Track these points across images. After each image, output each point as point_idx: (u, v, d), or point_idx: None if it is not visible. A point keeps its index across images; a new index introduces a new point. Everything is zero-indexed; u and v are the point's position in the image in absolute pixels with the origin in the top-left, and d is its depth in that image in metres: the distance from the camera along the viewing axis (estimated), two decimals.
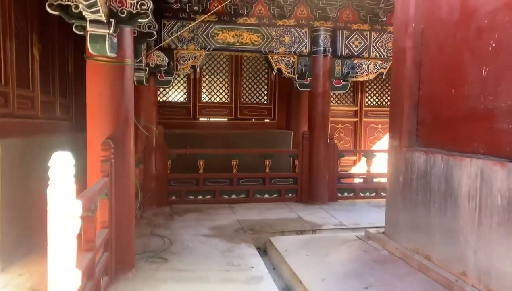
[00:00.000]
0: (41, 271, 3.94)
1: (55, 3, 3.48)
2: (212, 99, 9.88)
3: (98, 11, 3.27)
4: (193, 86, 9.67)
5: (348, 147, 10.47)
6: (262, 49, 7.27)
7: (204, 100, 9.82)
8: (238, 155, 7.65)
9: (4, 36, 4.46)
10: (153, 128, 7.01)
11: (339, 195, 7.86)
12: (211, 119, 9.89)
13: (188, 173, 7.46)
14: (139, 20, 3.79)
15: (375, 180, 8.12)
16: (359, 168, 10.10)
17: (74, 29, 3.74)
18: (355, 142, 10.60)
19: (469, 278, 3.46)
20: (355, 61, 7.59)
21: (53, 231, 2.30)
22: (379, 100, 10.82)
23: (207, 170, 7.45)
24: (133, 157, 4.12)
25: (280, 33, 7.28)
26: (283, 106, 10.07)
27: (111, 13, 3.60)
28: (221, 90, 9.88)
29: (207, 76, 9.79)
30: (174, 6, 6.60)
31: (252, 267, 4.33)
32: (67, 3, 3.48)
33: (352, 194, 7.95)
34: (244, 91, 9.96)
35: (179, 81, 9.64)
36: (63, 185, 2.29)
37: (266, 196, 7.67)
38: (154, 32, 5.30)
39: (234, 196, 7.55)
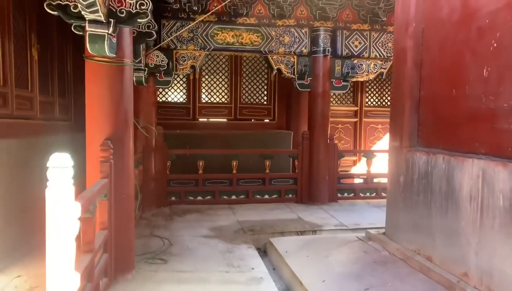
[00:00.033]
0: (39, 273, 3.90)
1: (54, 3, 3.45)
2: (212, 99, 9.86)
3: (97, 11, 3.25)
4: (193, 87, 9.65)
5: (348, 147, 10.46)
6: (261, 49, 7.25)
7: (203, 101, 9.81)
8: (238, 155, 7.64)
9: (2, 36, 4.43)
10: (153, 128, 6.99)
11: (339, 195, 7.85)
12: (210, 119, 9.88)
13: (187, 173, 7.44)
14: (138, 20, 3.77)
15: (375, 180, 8.11)
16: (359, 168, 10.08)
17: (73, 29, 3.72)
18: (355, 142, 10.59)
19: (470, 279, 3.43)
20: (355, 61, 7.57)
21: (52, 232, 2.28)
22: (379, 100, 10.80)
23: (207, 170, 7.43)
24: (132, 158, 4.10)
25: (280, 33, 7.27)
26: (283, 106, 10.06)
27: (110, 13, 3.58)
28: (220, 91, 9.86)
29: (207, 77, 9.77)
30: (174, 6, 6.59)
31: (253, 268, 4.31)
32: (65, 3, 3.46)
33: (352, 194, 7.94)
34: (244, 91, 9.94)
35: (178, 82, 9.62)
36: (61, 186, 2.27)
37: (266, 196, 7.65)
38: (154, 32, 5.27)
39: (234, 197, 7.53)
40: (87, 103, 3.86)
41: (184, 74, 8.96)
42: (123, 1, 3.65)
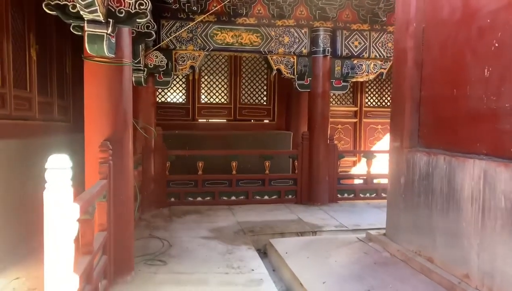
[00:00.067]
0: (38, 275, 3.87)
1: (52, 3, 3.43)
2: (211, 100, 9.84)
3: (95, 11, 3.23)
4: (192, 87, 9.63)
5: (348, 148, 10.44)
6: (261, 49, 7.23)
7: (203, 101, 9.78)
8: (238, 156, 7.61)
9: (1, 37, 4.42)
10: (152, 129, 6.96)
11: (339, 196, 7.83)
12: (210, 120, 9.85)
13: (187, 174, 7.42)
14: (137, 20, 3.75)
15: (375, 181, 8.09)
16: (359, 168, 10.06)
17: (71, 29, 3.69)
18: (355, 143, 10.57)
19: (472, 281, 3.41)
20: (355, 61, 7.56)
21: (50, 234, 2.26)
22: (378, 100, 10.78)
23: (206, 171, 7.41)
24: (131, 159, 4.07)
25: (279, 33, 7.25)
26: (283, 107, 10.04)
27: (109, 13, 3.56)
28: (220, 91, 9.84)
29: (206, 77, 9.75)
30: (173, 6, 6.58)
31: (252, 270, 4.29)
32: (64, 2, 3.43)
33: (352, 195, 7.91)
34: (243, 92, 9.92)
35: (177, 82, 9.60)
36: (59, 188, 2.24)
37: (266, 197, 7.63)
38: (153, 33, 5.26)
39: (233, 198, 7.51)
40: (86, 104, 3.84)
41: (184, 75, 8.93)
42: (122, 1, 3.63)
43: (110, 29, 3.50)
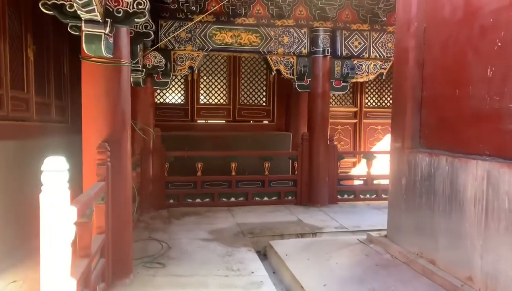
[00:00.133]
0: (35, 278, 3.81)
1: (49, 2, 3.39)
2: (210, 100, 9.79)
3: (93, 11, 3.19)
4: (191, 88, 9.58)
5: (348, 149, 10.40)
6: (260, 49, 7.19)
7: (202, 102, 9.74)
8: (237, 157, 7.57)
9: None
10: (150, 130, 6.92)
11: (339, 197, 7.78)
12: (209, 121, 9.81)
13: (186, 175, 7.37)
14: (135, 19, 3.71)
15: (375, 182, 8.04)
16: (359, 169, 10.02)
17: (69, 29, 3.66)
18: (354, 143, 10.53)
19: (475, 283, 3.37)
20: (355, 61, 7.52)
21: (46, 238, 2.21)
22: (378, 101, 10.75)
23: (206, 172, 7.36)
24: (130, 160, 4.03)
25: (279, 33, 7.21)
26: (282, 107, 9.99)
27: (106, 13, 3.52)
28: (219, 92, 9.79)
29: (205, 78, 9.70)
30: (171, 6, 6.53)
31: (252, 272, 4.25)
32: (61, 2, 3.39)
33: (352, 196, 7.87)
34: (243, 92, 9.88)
35: (176, 83, 9.55)
36: (56, 191, 2.19)
37: (266, 198, 7.58)
38: (151, 33, 5.22)
39: (233, 199, 7.46)
40: (83, 104, 3.79)
41: (182, 75, 8.88)
42: (120, 1, 3.59)
43: (108, 29, 3.46)
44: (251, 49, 7.19)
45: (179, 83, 9.59)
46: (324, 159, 7.50)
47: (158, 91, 9.16)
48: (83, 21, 3.38)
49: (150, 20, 5.09)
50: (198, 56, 6.99)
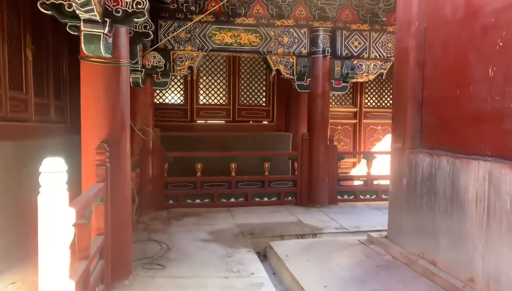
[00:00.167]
0: (34, 279, 3.80)
1: (48, 2, 3.36)
2: (210, 101, 9.77)
3: (92, 10, 3.17)
4: (190, 88, 9.56)
5: (348, 149, 10.39)
6: (260, 50, 7.16)
7: (201, 102, 9.71)
8: (237, 157, 7.54)
9: None
10: (150, 131, 6.89)
11: (339, 197, 7.76)
12: (208, 121, 9.79)
13: (185, 176, 7.34)
14: (135, 19, 3.69)
15: (375, 182, 8.02)
16: (359, 170, 10.00)
17: (67, 29, 3.64)
18: (354, 144, 10.51)
19: (477, 285, 3.35)
20: (355, 61, 7.50)
21: (45, 240, 2.19)
22: (378, 101, 10.73)
23: (205, 173, 7.33)
24: (129, 161, 4.01)
25: (278, 33, 7.18)
26: (282, 108, 9.97)
27: (105, 12, 3.50)
28: (218, 92, 9.77)
29: (204, 78, 9.68)
30: (171, 6, 6.51)
31: (252, 273, 4.23)
32: (59, 2, 3.37)
33: (352, 196, 7.85)
34: (242, 93, 9.86)
35: (175, 83, 9.53)
36: (54, 192, 2.17)
37: (265, 199, 7.55)
38: (151, 33, 5.20)
39: (232, 200, 7.44)
40: (82, 105, 3.77)
41: (182, 76, 8.85)
42: (119, 0, 3.57)
43: (107, 28, 3.44)
44: (251, 49, 7.16)
45: (178, 83, 9.57)
46: (324, 159, 7.48)
47: (158, 91, 9.13)
48: (81, 21, 3.36)
49: (149, 20, 5.07)
50: (197, 56, 6.97)
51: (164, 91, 9.41)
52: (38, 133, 5.35)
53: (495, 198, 3.19)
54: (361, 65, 7.50)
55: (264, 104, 10.01)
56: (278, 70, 7.34)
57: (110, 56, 3.63)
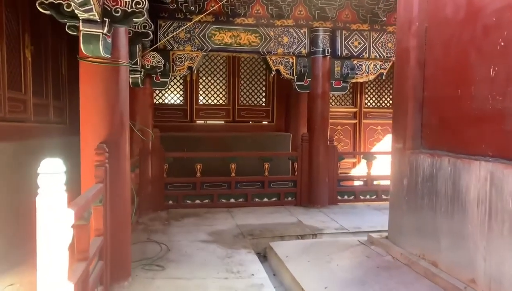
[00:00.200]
0: (32, 281, 3.78)
1: (46, 2, 3.34)
2: (209, 101, 9.75)
3: (91, 10, 3.15)
4: (190, 88, 9.54)
5: (348, 149, 10.37)
6: (260, 50, 7.15)
7: (201, 103, 9.69)
8: (236, 158, 7.52)
9: None
10: (149, 131, 6.88)
11: (339, 198, 7.74)
12: (208, 121, 9.77)
13: (185, 176, 7.32)
14: (134, 19, 3.67)
15: (375, 183, 8.00)
16: (359, 170, 9.98)
17: (66, 29, 3.61)
18: (354, 144, 10.49)
19: (478, 286, 3.33)
20: (355, 62, 7.48)
21: (43, 242, 2.17)
22: (378, 101, 10.72)
23: (205, 173, 7.31)
24: (128, 161, 3.99)
25: (278, 33, 7.17)
26: (282, 108, 9.96)
27: (105, 12, 3.48)
28: (218, 92, 9.75)
29: (204, 78, 9.66)
30: (170, 6, 6.48)
31: (252, 274, 4.21)
32: (58, 1, 3.34)
33: (352, 196, 7.83)
34: (242, 93, 9.84)
35: (175, 83, 9.51)
36: (52, 194, 2.15)
37: (265, 199, 7.53)
38: (150, 33, 5.19)
39: (232, 200, 7.42)
40: (81, 105, 3.75)
41: (181, 76, 8.83)
42: (118, 0, 3.54)
43: (106, 28, 3.42)
44: (251, 49, 7.14)
45: (178, 83, 9.55)
46: (324, 160, 7.46)
47: (157, 91, 9.12)
48: (80, 21, 3.34)
49: (148, 20, 5.05)
50: (197, 56, 6.95)
51: (163, 92, 9.39)
52: (37, 134, 5.33)
53: (497, 198, 3.17)
54: (361, 65, 7.48)
55: (264, 104, 10.00)
56: (278, 71, 7.32)
57: (109, 56, 3.61)
